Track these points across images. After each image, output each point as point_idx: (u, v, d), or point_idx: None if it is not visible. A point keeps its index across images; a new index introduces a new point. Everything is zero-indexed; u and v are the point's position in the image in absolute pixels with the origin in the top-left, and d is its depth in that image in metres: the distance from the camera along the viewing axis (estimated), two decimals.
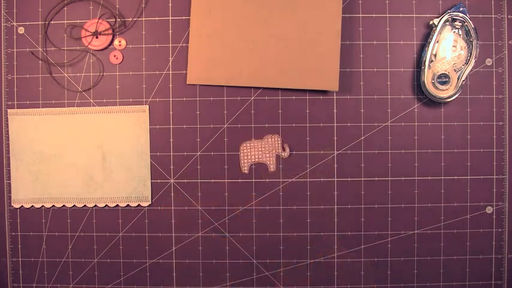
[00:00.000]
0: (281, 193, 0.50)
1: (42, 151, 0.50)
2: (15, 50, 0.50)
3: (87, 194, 0.50)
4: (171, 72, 0.50)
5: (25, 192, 0.50)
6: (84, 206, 0.50)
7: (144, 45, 0.50)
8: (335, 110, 0.50)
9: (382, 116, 0.50)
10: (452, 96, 0.48)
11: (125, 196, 0.50)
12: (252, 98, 0.50)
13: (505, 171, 0.50)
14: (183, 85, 0.50)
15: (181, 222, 0.50)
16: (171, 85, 0.50)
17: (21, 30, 0.50)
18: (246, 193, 0.50)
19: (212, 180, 0.50)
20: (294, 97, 0.50)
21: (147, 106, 0.50)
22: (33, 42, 0.50)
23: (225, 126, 0.50)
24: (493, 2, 0.50)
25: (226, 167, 0.50)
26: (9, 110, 0.50)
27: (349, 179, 0.50)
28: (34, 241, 0.51)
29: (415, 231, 0.50)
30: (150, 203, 0.50)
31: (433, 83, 0.48)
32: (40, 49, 0.50)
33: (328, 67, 0.48)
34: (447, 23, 0.48)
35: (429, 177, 0.49)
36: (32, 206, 0.50)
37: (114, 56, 0.50)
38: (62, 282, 0.50)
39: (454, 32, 0.48)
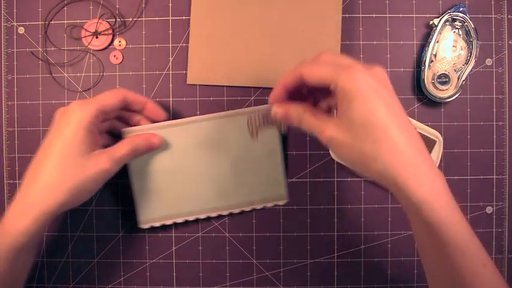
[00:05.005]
0: None
1: None
2: (15, 50, 0.50)
3: None
4: (171, 72, 0.50)
5: None
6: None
7: (144, 45, 0.50)
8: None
9: None
10: (452, 96, 0.48)
11: None
12: (252, 98, 0.50)
13: (505, 171, 0.50)
14: (183, 85, 0.50)
15: (181, 222, 0.50)
16: (171, 85, 0.50)
17: (21, 30, 0.50)
18: None
19: None
20: None
21: None
22: (33, 42, 0.50)
23: None
24: (493, 2, 0.50)
25: None
26: None
27: (349, 179, 0.50)
28: None
29: None
30: None
31: (433, 83, 0.48)
32: (40, 49, 0.50)
33: None
34: (447, 23, 0.48)
35: None
36: None
37: (114, 56, 0.50)
38: (62, 282, 0.50)
39: (454, 32, 0.48)
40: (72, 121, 0.38)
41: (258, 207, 0.49)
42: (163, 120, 0.46)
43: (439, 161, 0.48)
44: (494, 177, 0.50)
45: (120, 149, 0.42)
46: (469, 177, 0.50)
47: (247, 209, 0.49)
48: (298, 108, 0.39)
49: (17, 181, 0.50)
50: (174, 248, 0.50)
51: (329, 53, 0.38)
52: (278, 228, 0.50)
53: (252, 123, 0.47)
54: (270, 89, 0.50)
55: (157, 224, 0.48)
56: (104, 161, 0.40)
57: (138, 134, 0.45)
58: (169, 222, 0.48)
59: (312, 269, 0.50)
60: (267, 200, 0.49)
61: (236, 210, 0.48)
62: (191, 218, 0.48)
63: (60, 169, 0.38)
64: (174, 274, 0.50)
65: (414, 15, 0.50)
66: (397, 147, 0.33)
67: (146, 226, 0.48)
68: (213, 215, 0.48)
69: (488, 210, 0.50)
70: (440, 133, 0.49)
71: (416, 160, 0.33)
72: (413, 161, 0.33)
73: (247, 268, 0.50)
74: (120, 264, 0.50)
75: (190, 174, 0.47)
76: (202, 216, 0.48)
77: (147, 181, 0.47)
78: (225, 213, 0.48)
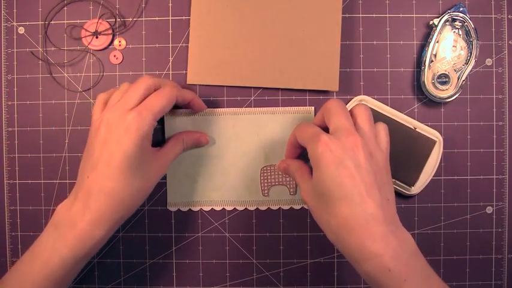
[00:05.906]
0: None
1: None
2: (15, 50, 0.50)
3: None
4: (171, 72, 0.50)
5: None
6: None
7: (144, 45, 0.50)
8: None
9: None
10: (452, 96, 0.48)
11: None
12: (252, 98, 0.50)
13: (505, 171, 0.50)
14: (183, 85, 0.50)
15: (181, 222, 0.50)
16: None
17: (21, 30, 0.50)
18: None
19: None
20: (294, 97, 0.50)
21: None
22: (33, 42, 0.50)
23: None
24: (493, 2, 0.50)
25: None
26: None
27: None
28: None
29: (415, 231, 0.50)
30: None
31: (433, 83, 0.48)
32: (40, 49, 0.50)
33: (328, 67, 0.48)
34: (447, 23, 0.48)
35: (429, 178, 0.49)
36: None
37: (114, 56, 0.50)
38: None
39: (454, 32, 0.48)
40: (131, 131, 0.38)
41: (285, 207, 0.49)
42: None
43: (439, 161, 0.48)
44: (494, 177, 0.50)
45: (174, 151, 0.45)
46: (469, 177, 0.50)
47: (274, 207, 0.49)
48: (293, 166, 0.43)
49: (17, 181, 0.50)
50: (174, 248, 0.50)
51: (334, 103, 0.39)
52: (278, 228, 0.50)
53: (263, 180, 0.48)
54: (270, 89, 0.50)
55: (184, 209, 0.49)
56: (163, 168, 0.43)
57: (189, 132, 0.47)
58: (196, 208, 0.49)
59: (312, 269, 0.50)
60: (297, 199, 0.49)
61: (263, 207, 0.49)
62: (218, 208, 0.49)
63: (128, 183, 0.38)
64: (174, 274, 0.50)
65: (414, 15, 0.50)
66: (346, 221, 0.34)
67: (173, 209, 0.49)
68: (240, 208, 0.49)
69: (488, 210, 0.50)
70: (440, 133, 0.49)
71: (365, 235, 0.34)
72: (361, 236, 0.34)
73: (247, 268, 0.50)
74: (120, 264, 0.50)
75: (224, 164, 0.48)
76: (229, 208, 0.49)
77: (180, 165, 0.48)
78: (251, 208, 0.49)
